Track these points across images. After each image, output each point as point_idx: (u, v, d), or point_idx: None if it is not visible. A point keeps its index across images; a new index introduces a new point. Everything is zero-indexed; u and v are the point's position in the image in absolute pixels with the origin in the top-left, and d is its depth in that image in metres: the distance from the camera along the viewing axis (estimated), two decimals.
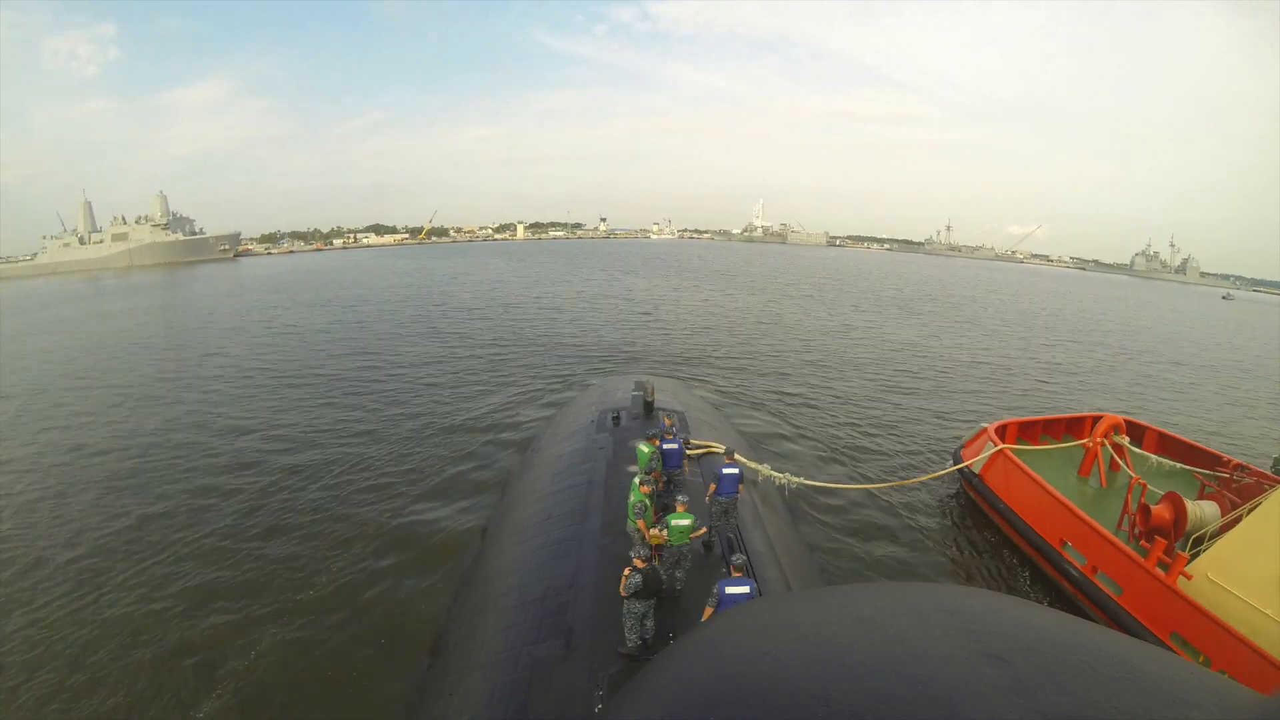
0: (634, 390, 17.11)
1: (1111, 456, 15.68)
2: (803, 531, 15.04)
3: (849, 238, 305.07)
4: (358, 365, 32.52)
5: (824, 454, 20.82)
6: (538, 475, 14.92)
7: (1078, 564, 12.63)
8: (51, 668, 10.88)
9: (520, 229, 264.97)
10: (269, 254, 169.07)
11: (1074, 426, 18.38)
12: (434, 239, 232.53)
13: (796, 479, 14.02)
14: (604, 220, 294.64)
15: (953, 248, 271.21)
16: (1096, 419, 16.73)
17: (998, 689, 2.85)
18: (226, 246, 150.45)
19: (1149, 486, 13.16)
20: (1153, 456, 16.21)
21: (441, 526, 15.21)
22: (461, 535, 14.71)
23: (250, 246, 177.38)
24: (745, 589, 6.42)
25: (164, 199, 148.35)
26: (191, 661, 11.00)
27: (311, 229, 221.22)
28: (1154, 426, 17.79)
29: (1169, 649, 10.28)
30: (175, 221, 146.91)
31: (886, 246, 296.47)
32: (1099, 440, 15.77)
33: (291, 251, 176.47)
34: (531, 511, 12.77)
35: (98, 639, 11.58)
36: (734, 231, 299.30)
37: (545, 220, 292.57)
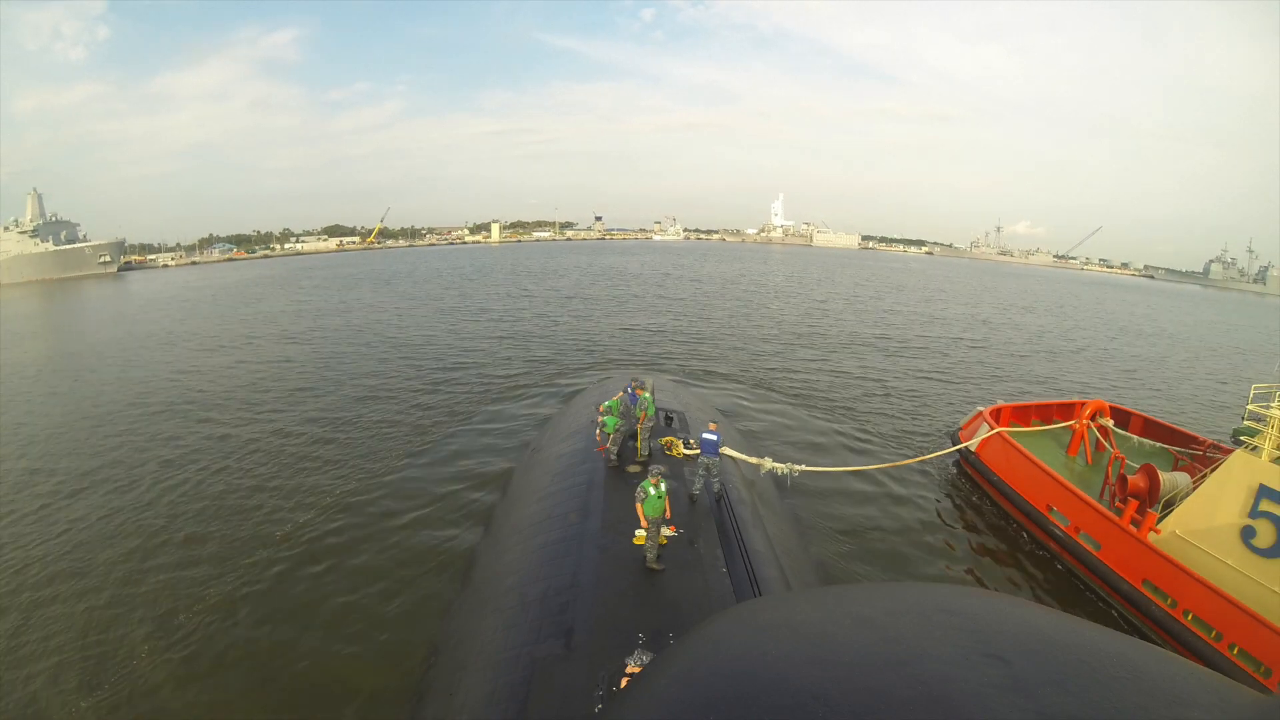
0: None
1: (1097, 438, 17.03)
2: (804, 521, 15.25)
3: (881, 240, 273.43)
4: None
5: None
6: (538, 475, 14.91)
7: (1061, 525, 14.15)
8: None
9: (496, 229, 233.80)
10: (166, 267, 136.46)
11: (1064, 411, 19.65)
12: (384, 242, 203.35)
13: (800, 466, 13.92)
14: (599, 219, 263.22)
15: (1002, 252, 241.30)
16: (1085, 404, 18.03)
17: (998, 689, 2.85)
18: (107, 258, 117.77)
19: (1128, 461, 14.46)
20: (1135, 437, 17.73)
21: (441, 527, 15.23)
22: (461, 536, 14.72)
23: (154, 256, 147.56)
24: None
25: (38, 198, 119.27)
26: (189, 663, 11.03)
27: (259, 231, 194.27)
28: (1138, 412, 19.15)
29: (1143, 595, 11.96)
30: (47, 227, 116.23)
31: (925, 250, 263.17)
32: (1084, 422, 17.19)
33: (195, 263, 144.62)
34: (531, 511, 12.77)
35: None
36: (749, 232, 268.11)
37: (531, 219, 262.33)
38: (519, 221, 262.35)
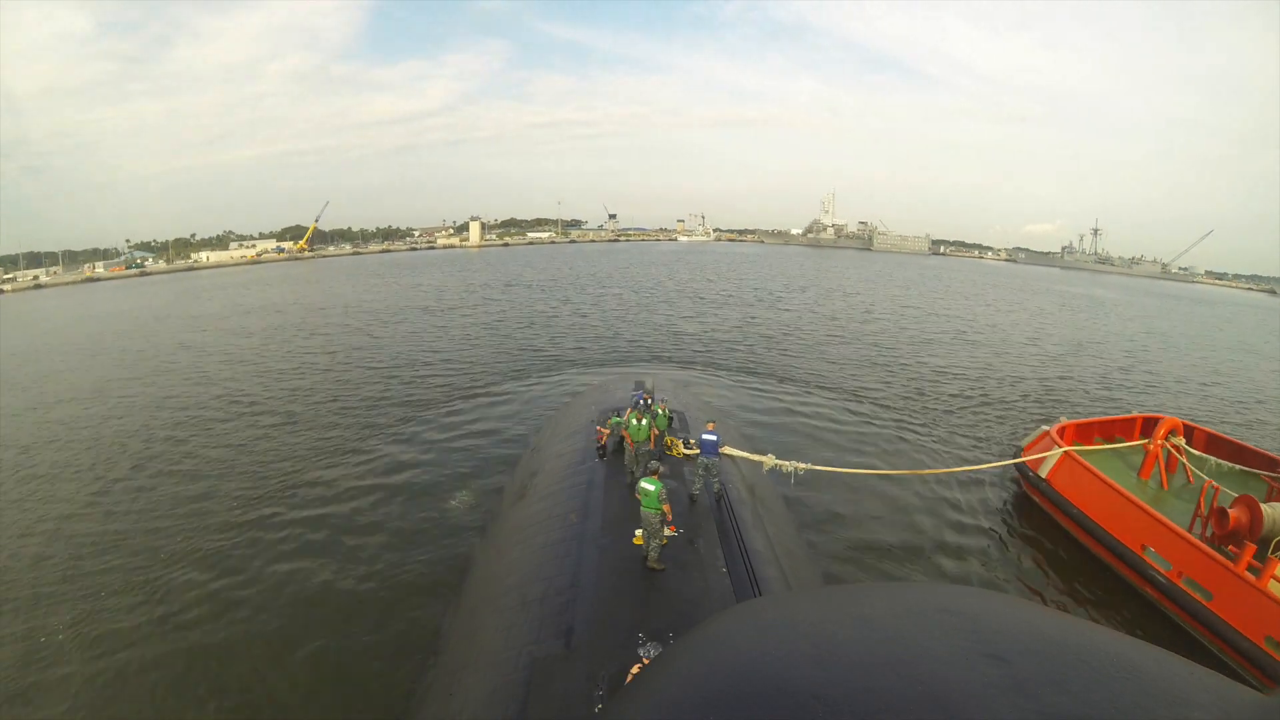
0: (634, 389, 17.14)
1: (1170, 456, 15.67)
2: (827, 539, 14.85)
3: (954, 244, 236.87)
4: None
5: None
6: (538, 475, 14.91)
7: (1161, 570, 12.48)
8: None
9: (475, 230, 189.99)
10: None
11: (1125, 428, 18.43)
12: (323, 249, 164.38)
13: (805, 465, 13.86)
14: (613, 217, 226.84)
15: (1101, 259, 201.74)
16: (1148, 420, 16.77)
17: (998, 689, 2.86)
18: None
19: (1221, 489, 13.04)
20: (1210, 458, 16.06)
21: (441, 527, 15.23)
22: (461, 535, 14.73)
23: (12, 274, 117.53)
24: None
25: None
26: (186, 661, 11.03)
27: (195, 235, 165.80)
28: (1202, 427, 17.75)
29: (1267, 655, 10.47)
30: None
31: (1005, 256, 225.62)
32: (1160, 442, 15.65)
33: (40, 285, 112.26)
34: (531, 511, 12.76)
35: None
36: (794, 232, 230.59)
37: (531, 217, 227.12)
38: (512, 220, 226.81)
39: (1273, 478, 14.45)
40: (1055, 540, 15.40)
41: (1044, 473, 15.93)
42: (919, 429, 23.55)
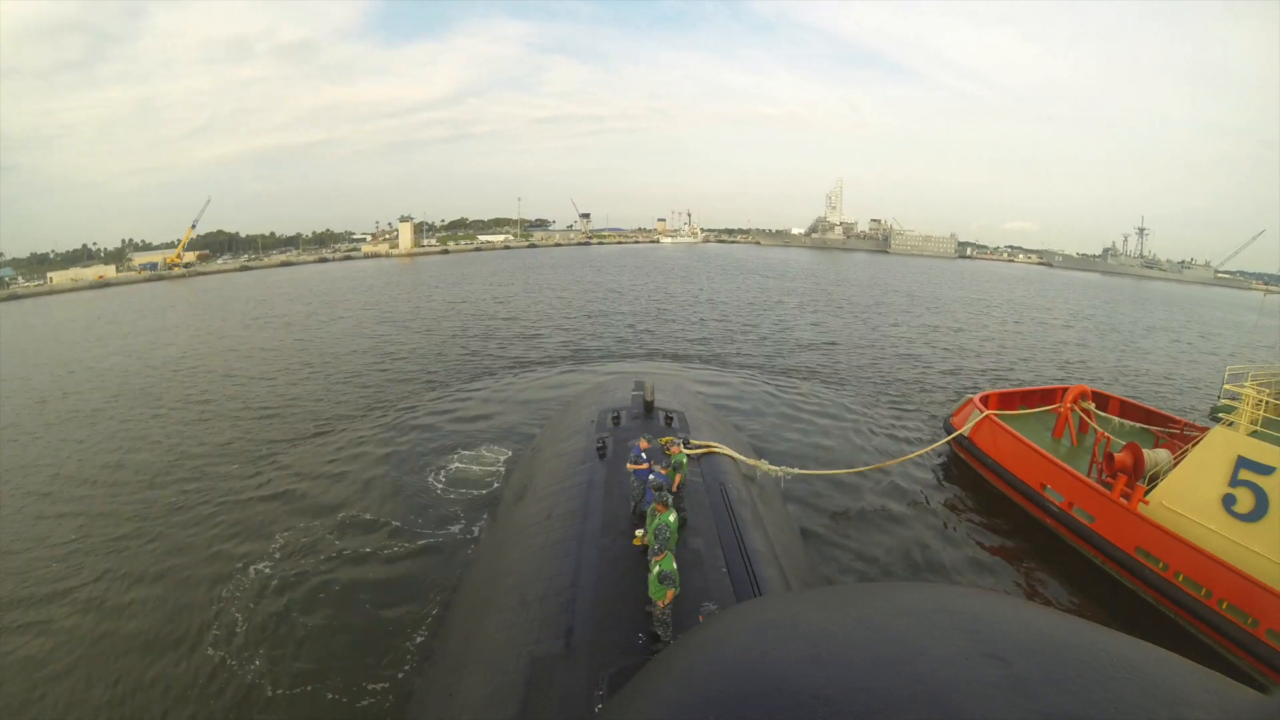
0: (634, 390, 17.14)
1: (1081, 420, 18.01)
2: (804, 516, 15.40)
3: (976, 245, 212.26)
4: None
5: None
6: (538, 475, 14.90)
7: (1056, 501, 15.23)
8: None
9: (406, 232, 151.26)
10: None
11: (1046, 396, 20.69)
12: (213, 259, 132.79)
13: (793, 470, 14.52)
14: (585, 216, 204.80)
15: (1148, 263, 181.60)
16: (1066, 389, 19.06)
17: (998, 689, 2.86)
18: None
19: (1113, 440, 15.61)
20: (1115, 418, 18.62)
21: (441, 526, 15.23)
22: (461, 535, 14.73)
23: None
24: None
25: None
26: (184, 658, 11.04)
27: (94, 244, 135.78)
28: (1116, 395, 20.33)
29: (1136, 561, 13.01)
30: None
31: (1039, 260, 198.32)
32: (1069, 405, 18.08)
33: None
34: (531, 511, 12.76)
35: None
36: (795, 232, 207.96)
37: (489, 216, 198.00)
38: (461, 220, 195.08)
39: (1163, 431, 17.14)
40: (975, 486, 18.45)
41: (968, 432, 18.74)
42: None
